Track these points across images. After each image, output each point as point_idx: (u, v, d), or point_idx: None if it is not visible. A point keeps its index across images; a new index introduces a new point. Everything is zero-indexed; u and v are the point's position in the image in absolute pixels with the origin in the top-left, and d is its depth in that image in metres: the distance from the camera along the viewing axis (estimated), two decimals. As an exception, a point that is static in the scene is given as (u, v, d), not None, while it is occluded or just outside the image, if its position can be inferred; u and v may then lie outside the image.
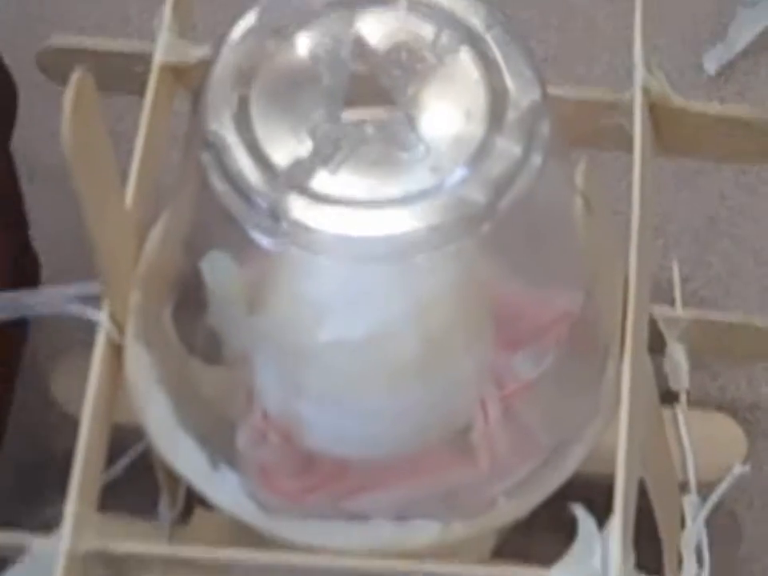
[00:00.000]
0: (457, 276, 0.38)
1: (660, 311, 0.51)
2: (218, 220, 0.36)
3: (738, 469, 0.49)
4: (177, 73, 0.42)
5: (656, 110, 0.43)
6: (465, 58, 0.37)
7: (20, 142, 0.59)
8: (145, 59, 0.42)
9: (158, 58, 0.42)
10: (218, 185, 0.36)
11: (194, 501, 0.49)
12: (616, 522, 0.37)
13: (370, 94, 0.37)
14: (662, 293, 0.52)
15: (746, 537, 0.51)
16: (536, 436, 0.42)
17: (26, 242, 0.56)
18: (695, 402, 0.52)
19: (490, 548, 0.46)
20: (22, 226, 0.56)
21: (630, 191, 0.41)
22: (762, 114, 0.44)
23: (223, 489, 0.41)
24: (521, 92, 0.37)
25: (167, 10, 0.42)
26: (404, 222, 0.35)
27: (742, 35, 0.59)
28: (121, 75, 0.42)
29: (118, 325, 0.41)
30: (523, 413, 0.41)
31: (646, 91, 0.42)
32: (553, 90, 0.41)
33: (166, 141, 0.43)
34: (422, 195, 0.35)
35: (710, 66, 0.59)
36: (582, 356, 0.42)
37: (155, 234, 0.42)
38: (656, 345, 0.51)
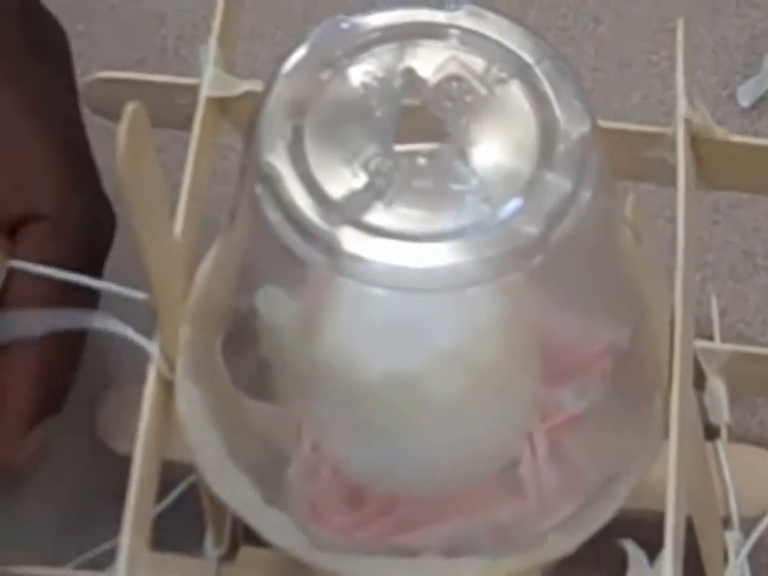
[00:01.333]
0: (507, 309, 0.38)
1: (699, 345, 0.51)
2: (272, 252, 0.36)
3: (778, 506, 0.49)
4: (222, 106, 0.43)
5: (698, 143, 0.43)
6: (515, 90, 0.37)
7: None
8: (190, 92, 0.42)
9: (205, 91, 0.42)
10: (273, 216, 0.36)
11: (239, 538, 0.49)
12: (667, 555, 0.37)
13: (422, 127, 0.37)
14: (700, 327, 0.52)
15: None
16: (583, 470, 0.41)
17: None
18: (735, 437, 0.51)
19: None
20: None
21: (669, 225, 0.41)
22: None
23: (275, 524, 0.41)
24: (571, 124, 0.37)
25: (213, 44, 0.43)
26: (457, 254, 0.35)
27: None
28: (166, 108, 0.42)
29: (169, 359, 0.41)
30: (570, 447, 0.41)
31: (688, 123, 0.42)
32: (600, 123, 0.41)
33: (212, 174, 0.42)
34: (474, 227, 0.35)
35: (744, 99, 0.59)
36: (628, 390, 0.42)
37: (204, 267, 0.42)
38: (697, 380, 0.51)
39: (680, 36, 0.43)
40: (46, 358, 0.49)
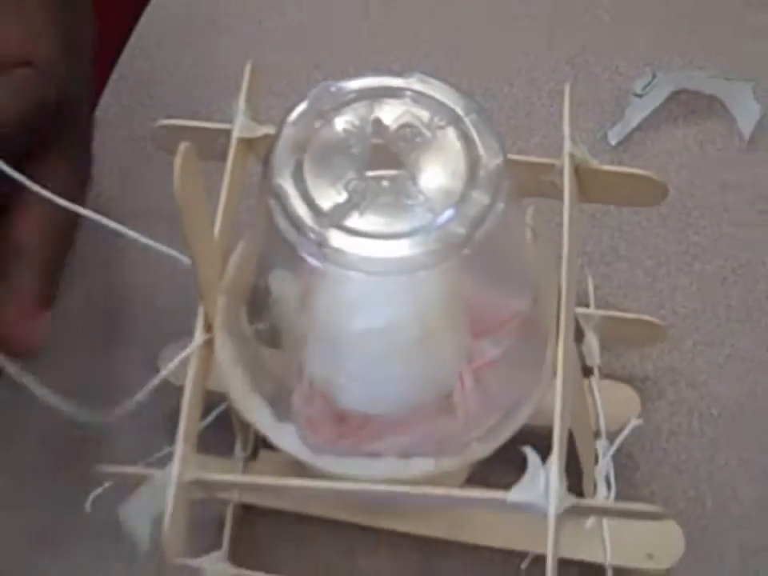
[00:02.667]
0: (444, 286, 0.38)
1: (579, 311, 0.51)
2: (280, 247, 0.36)
3: (634, 422, 0.48)
4: (248, 144, 0.42)
5: (579, 170, 0.43)
6: (451, 134, 0.37)
7: (132, 192, 0.59)
8: (225, 135, 0.42)
9: (236, 133, 0.42)
10: (281, 222, 0.36)
11: (259, 445, 0.49)
12: (554, 457, 0.36)
13: (385, 159, 0.37)
14: (579, 298, 0.52)
15: (640, 470, 0.51)
16: (498, 398, 0.41)
17: None
18: (604, 375, 0.51)
19: (464, 478, 0.47)
20: None
21: (561, 227, 0.41)
22: (647, 172, 0.44)
23: (283, 435, 0.41)
24: (489, 158, 0.37)
25: (241, 101, 0.43)
26: (409, 248, 0.35)
27: (635, 117, 0.60)
28: (209, 146, 0.41)
29: (210, 321, 0.41)
30: (489, 381, 0.41)
31: (572, 157, 0.42)
32: (512, 157, 0.41)
33: (240, 192, 0.42)
34: (421, 229, 0.36)
35: (613, 139, 0.59)
36: (529, 342, 0.42)
37: (234, 257, 0.42)
38: (577, 335, 0.51)
39: (567, 95, 0.43)
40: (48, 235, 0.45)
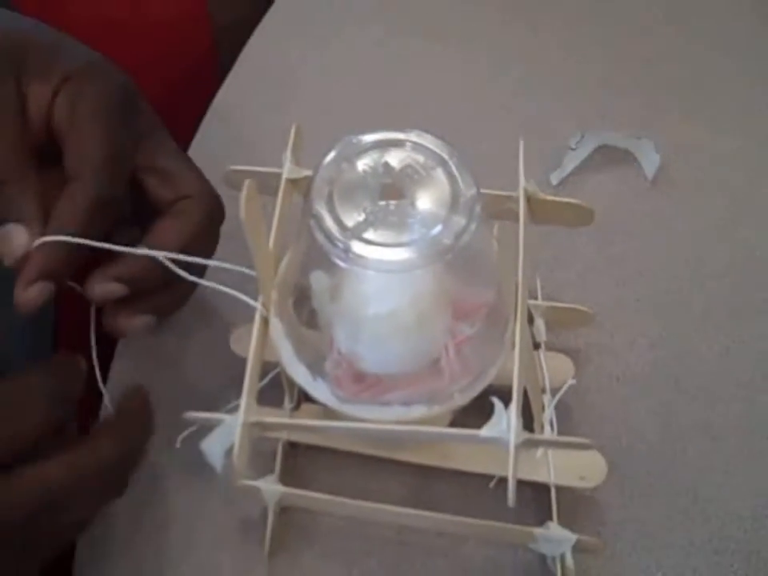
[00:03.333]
0: (434, 282, 0.38)
1: (531, 302, 0.51)
2: (318, 254, 0.36)
3: (570, 382, 0.48)
4: (293, 183, 0.42)
5: (531, 201, 0.43)
6: (439, 173, 0.37)
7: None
8: (278, 176, 0.42)
9: (284, 176, 0.42)
10: (318, 236, 0.36)
11: (301, 399, 0.49)
12: (514, 404, 0.36)
13: (392, 192, 0.37)
14: (531, 293, 0.52)
15: (574, 417, 0.51)
16: (473, 363, 0.41)
17: None
18: (548, 348, 0.51)
19: (449, 420, 0.46)
20: None
21: (518, 240, 0.41)
22: (580, 201, 0.44)
23: (318, 390, 0.41)
24: (466, 190, 0.37)
25: (288, 152, 0.42)
26: (409, 253, 0.35)
27: (569, 164, 0.59)
28: (265, 184, 0.40)
29: (266, 308, 0.40)
30: (466, 352, 0.41)
31: (525, 190, 0.42)
32: (484, 191, 0.41)
33: (288, 217, 0.42)
34: (417, 240, 0.36)
35: (554, 180, 0.59)
36: (495, 323, 0.41)
37: (284, 263, 0.42)
38: (528, 319, 0.51)
39: (521, 149, 0.43)
40: None
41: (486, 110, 0.63)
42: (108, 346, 0.53)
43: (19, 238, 0.38)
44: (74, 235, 0.38)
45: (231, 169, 0.45)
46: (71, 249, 0.38)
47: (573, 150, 0.60)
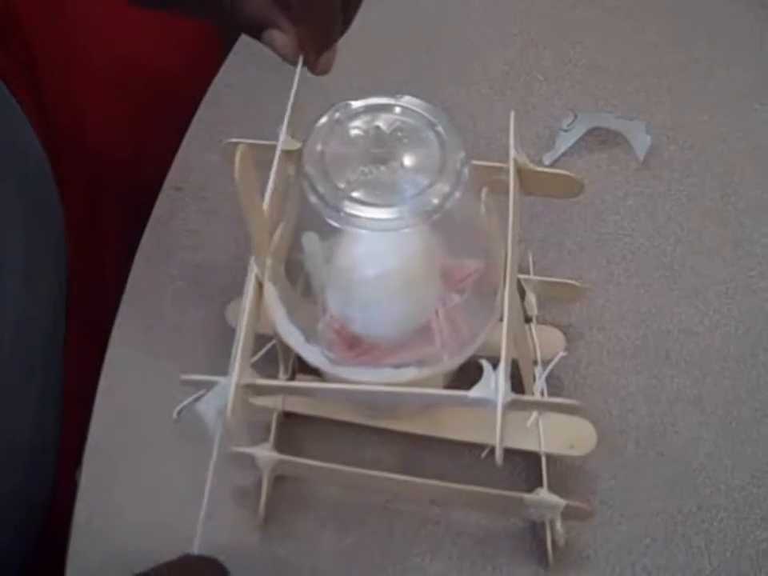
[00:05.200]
0: (422, 243, 0.38)
1: (522, 276, 0.51)
2: (310, 214, 0.37)
3: (561, 354, 0.49)
4: (288, 155, 0.42)
5: (521, 172, 0.43)
6: (428, 135, 0.38)
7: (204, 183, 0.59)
8: (273, 148, 0.42)
9: (279, 147, 0.42)
10: (310, 196, 0.36)
11: (296, 370, 0.49)
12: (501, 365, 0.37)
13: (383, 154, 0.38)
14: (523, 269, 0.52)
15: (565, 388, 0.51)
16: (462, 330, 0.41)
17: None
18: (540, 323, 0.52)
19: (442, 384, 0.47)
20: None
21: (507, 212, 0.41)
22: (569, 172, 0.44)
23: (310, 352, 0.41)
24: (455, 152, 0.37)
25: (285, 125, 0.42)
26: (398, 212, 0.36)
27: (562, 146, 0.60)
28: (263, 159, 0.41)
29: (261, 273, 0.40)
30: (456, 318, 0.41)
31: (515, 161, 0.42)
32: (475, 162, 0.41)
33: (283, 190, 0.42)
34: (407, 199, 0.36)
35: (547, 161, 0.59)
36: (484, 292, 0.42)
37: (278, 231, 0.42)
38: (521, 294, 0.51)
39: (511, 121, 0.43)
40: None
41: (479, 93, 0.63)
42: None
43: (279, 40, 0.41)
44: None
45: (228, 142, 0.45)
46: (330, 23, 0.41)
47: (565, 131, 0.60)
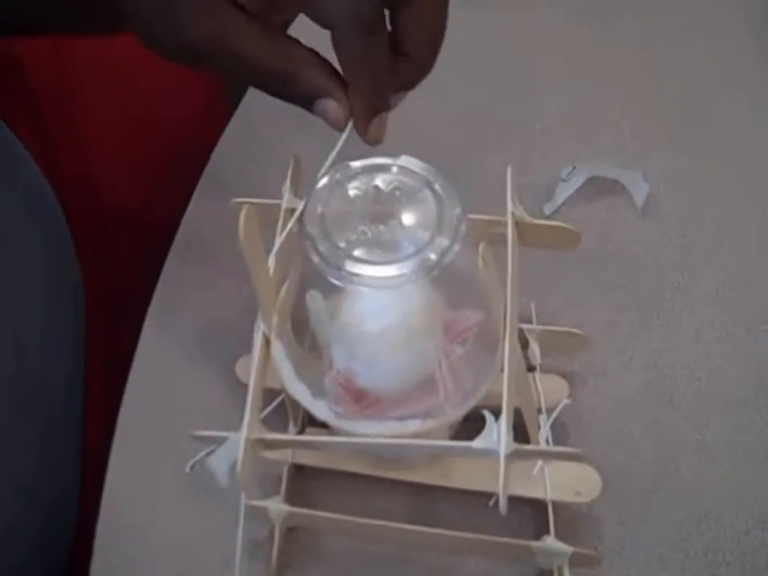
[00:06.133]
0: (422, 298, 0.39)
1: (525, 326, 0.52)
2: (313, 273, 0.38)
3: (564, 401, 0.49)
4: (292, 212, 0.42)
5: (519, 225, 0.43)
6: (426, 194, 0.39)
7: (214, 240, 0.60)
8: (278, 207, 0.43)
9: (284, 206, 0.43)
10: (312, 256, 0.37)
11: (306, 424, 0.50)
12: (504, 415, 0.37)
13: (382, 214, 0.39)
14: (526, 318, 0.53)
15: (570, 436, 0.52)
16: (464, 381, 0.42)
17: None
18: (543, 370, 0.52)
19: (447, 434, 0.47)
20: None
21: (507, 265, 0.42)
22: (565, 224, 0.45)
23: (317, 407, 0.42)
24: (452, 210, 0.38)
25: (287, 184, 0.43)
26: (399, 269, 0.37)
27: (562, 195, 0.61)
28: (268, 217, 0.42)
29: (267, 330, 0.41)
30: (458, 370, 0.42)
31: (513, 215, 0.43)
32: (471, 216, 0.42)
33: (288, 247, 0.42)
34: (407, 257, 0.37)
35: (547, 211, 0.60)
36: (485, 344, 0.42)
37: (284, 289, 0.43)
38: (523, 344, 0.52)
39: (509, 175, 0.44)
40: None
41: (477, 146, 0.65)
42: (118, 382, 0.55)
43: (332, 109, 0.40)
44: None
45: (234, 201, 0.46)
46: (380, 87, 0.40)
47: (564, 181, 0.61)
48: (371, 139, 0.40)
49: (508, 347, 0.40)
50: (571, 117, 0.67)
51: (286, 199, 0.44)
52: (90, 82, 0.70)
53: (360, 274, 0.37)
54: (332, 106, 0.39)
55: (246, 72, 0.39)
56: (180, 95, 0.75)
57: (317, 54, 0.40)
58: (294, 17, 0.47)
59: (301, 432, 0.50)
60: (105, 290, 0.68)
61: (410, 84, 0.42)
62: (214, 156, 0.66)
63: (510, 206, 0.44)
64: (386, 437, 0.41)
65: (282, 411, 0.49)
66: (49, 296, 0.55)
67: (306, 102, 0.40)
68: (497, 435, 0.37)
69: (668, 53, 0.71)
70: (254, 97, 0.68)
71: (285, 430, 0.50)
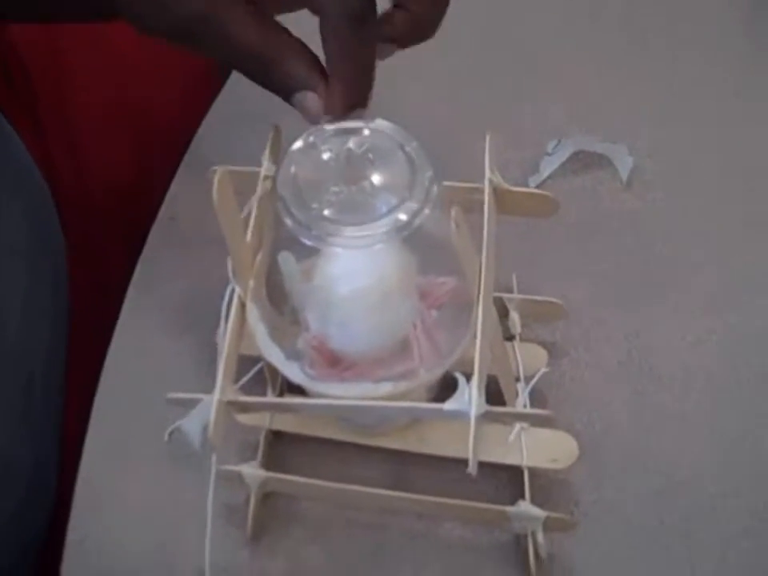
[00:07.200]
0: (394, 259, 0.40)
1: (505, 295, 0.52)
2: (285, 235, 0.38)
3: (543, 370, 0.50)
4: (272, 180, 0.43)
5: (497, 192, 0.44)
6: (398, 156, 0.39)
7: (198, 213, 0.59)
8: (257, 174, 0.43)
9: (263, 173, 0.43)
10: (285, 218, 0.38)
11: (284, 389, 0.51)
12: (475, 377, 0.38)
13: (354, 175, 0.39)
14: (508, 289, 0.53)
15: (549, 404, 0.52)
16: (439, 344, 0.43)
17: None
18: (523, 340, 0.53)
19: (424, 400, 0.47)
20: None
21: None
22: (543, 191, 0.45)
23: (290, 369, 0.43)
24: (424, 171, 0.39)
25: (267, 152, 0.43)
26: (370, 229, 0.37)
27: (547, 169, 0.61)
28: (248, 185, 0.42)
29: (243, 294, 0.42)
30: (433, 333, 0.43)
31: (490, 181, 0.43)
32: (447, 183, 0.42)
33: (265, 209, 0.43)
34: (378, 217, 0.38)
35: (532, 184, 0.60)
36: (459, 309, 0.43)
37: (260, 253, 0.43)
38: (504, 313, 0.52)
39: (488, 142, 0.44)
40: None
41: (464, 121, 0.64)
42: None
43: (311, 102, 0.39)
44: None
45: (213, 169, 0.46)
46: (362, 82, 0.40)
47: (549, 155, 0.62)
48: None
49: (482, 310, 0.41)
50: (557, 91, 0.68)
51: (265, 167, 0.44)
52: (81, 67, 0.70)
53: (331, 234, 0.37)
54: (311, 98, 0.39)
55: (231, 53, 0.39)
56: (168, 76, 0.75)
57: (304, 44, 0.39)
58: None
59: (280, 395, 0.51)
60: (90, 266, 0.68)
61: (403, 40, 0.41)
62: (199, 132, 0.66)
63: (487, 173, 0.44)
64: (359, 399, 0.41)
65: (263, 379, 0.49)
66: (32, 270, 0.55)
67: (287, 91, 0.39)
68: (467, 396, 0.38)
69: (653, 27, 0.71)
70: (240, 77, 0.68)
71: (264, 396, 0.50)
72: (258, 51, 0.38)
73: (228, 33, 0.38)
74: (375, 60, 0.39)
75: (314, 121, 0.40)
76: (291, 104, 0.40)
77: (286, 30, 0.39)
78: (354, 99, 0.39)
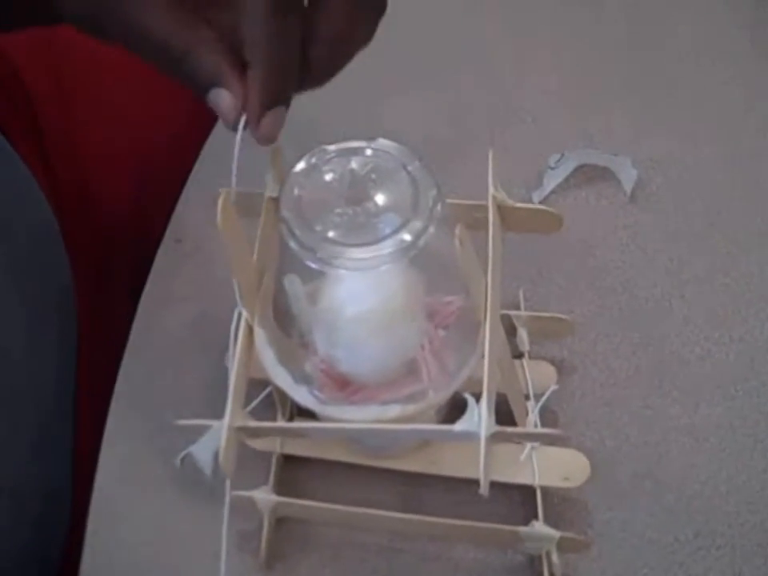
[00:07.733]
0: (401, 278, 0.40)
1: (512, 313, 0.52)
2: (291, 258, 0.38)
3: (552, 388, 0.49)
4: (275, 201, 0.42)
5: (501, 209, 0.43)
6: (401, 175, 0.39)
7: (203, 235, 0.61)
8: (262, 195, 0.43)
9: (267, 194, 0.43)
10: (289, 241, 0.38)
11: (294, 413, 0.51)
12: (484, 398, 0.38)
13: (357, 196, 0.39)
14: (515, 305, 0.53)
15: (559, 422, 0.52)
16: (447, 364, 0.42)
17: None
18: (532, 357, 0.52)
19: (434, 421, 0.47)
20: None
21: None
22: (547, 207, 0.45)
23: (299, 393, 0.42)
24: (427, 191, 0.38)
25: (271, 173, 0.43)
26: (376, 251, 0.37)
27: (550, 183, 0.60)
28: (253, 206, 0.42)
29: (250, 318, 0.41)
30: (441, 353, 0.42)
31: (494, 198, 0.43)
32: (451, 201, 0.42)
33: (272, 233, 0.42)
34: (383, 238, 0.37)
35: (535, 198, 0.60)
36: (466, 328, 0.42)
37: (266, 275, 0.43)
38: (511, 330, 0.52)
39: (490, 159, 0.43)
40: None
41: (466, 136, 0.65)
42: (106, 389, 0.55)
43: (225, 101, 0.37)
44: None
45: (221, 190, 0.46)
46: (284, 75, 0.37)
47: (552, 169, 0.62)
48: (263, 135, 0.37)
49: (489, 329, 0.40)
50: (560, 105, 0.68)
51: (270, 188, 0.43)
52: (84, 93, 0.70)
53: (336, 256, 0.37)
54: (225, 96, 0.36)
55: (145, 44, 0.36)
56: (174, 101, 0.75)
57: (223, 39, 0.36)
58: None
59: (290, 420, 0.50)
60: (100, 291, 0.68)
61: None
62: (203, 154, 0.66)
63: (491, 190, 0.44)
64: (369, 422, 0.41)
65: (273, 403, 0.49)
66: (36, 297, 0.55)
67: (202, 87, 0.36)
68: (477, 417, 0.37)
69: (656, 38, 0.72)
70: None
71: (274, 421, 0.50)
72: (173, 41, 0.35)
73: (142, 21, 0.35)
74: (297, 56, 0.36)
75: (228, 121, 0.37)
76: (207, 102, 0.37)
77: (205, 23, 0.36)
78: (273, 92, 0.36)
